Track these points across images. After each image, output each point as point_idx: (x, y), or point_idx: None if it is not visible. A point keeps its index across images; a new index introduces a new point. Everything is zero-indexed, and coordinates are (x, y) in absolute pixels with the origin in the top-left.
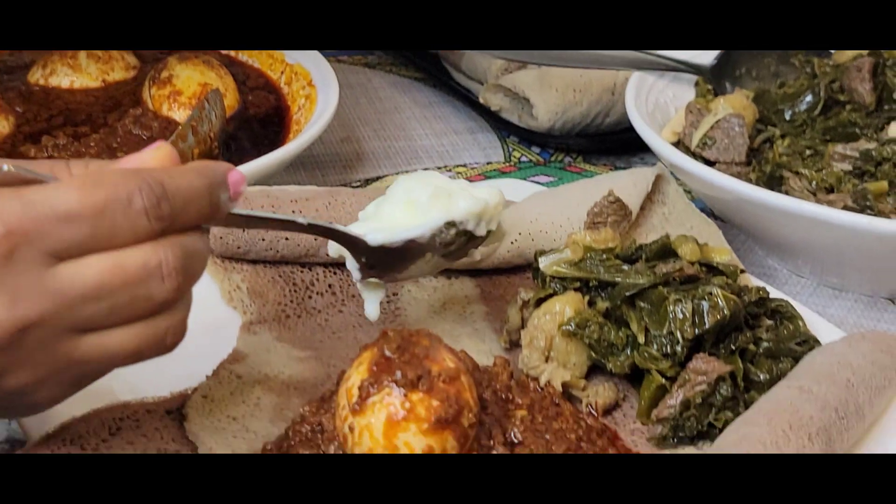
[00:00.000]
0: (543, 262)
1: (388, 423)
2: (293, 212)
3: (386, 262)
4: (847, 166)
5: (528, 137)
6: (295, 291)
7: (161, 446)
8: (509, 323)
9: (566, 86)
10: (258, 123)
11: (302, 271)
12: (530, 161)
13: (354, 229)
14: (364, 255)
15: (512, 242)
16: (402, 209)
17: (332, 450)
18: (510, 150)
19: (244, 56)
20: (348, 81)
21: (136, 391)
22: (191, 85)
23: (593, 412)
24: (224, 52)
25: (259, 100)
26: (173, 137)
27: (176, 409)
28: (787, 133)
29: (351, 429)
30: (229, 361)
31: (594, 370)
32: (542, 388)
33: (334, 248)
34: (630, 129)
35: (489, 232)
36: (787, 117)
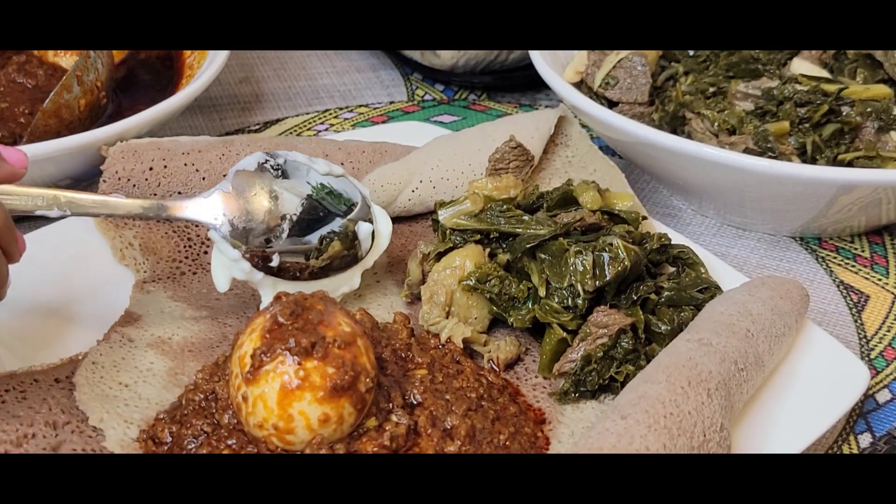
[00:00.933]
0: (443, 215)
1: (282, 392)
2: (185, 164)
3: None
4: (749, 105)
5: (431, 75)
6: (190, 247)
7: (49, 418)
8: (410, 277)
9: None
10: (150, 68)
11: (197, 226)
12: (434, 99)
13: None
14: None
15: (413, 190)
16: None
17: (226, 419)
18: (413, 87)
19: None
20: None
21: (24, 359)
22: None
23: (495, 368)
24: None
25: None
26: (57, 89)
27: (65, 378)
28: (690, 69)
29: (244, 398)
30: (121, 324)
31: (495, 324)
32: (442, 345)
33: (221, 279)
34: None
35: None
36: (691, 53)
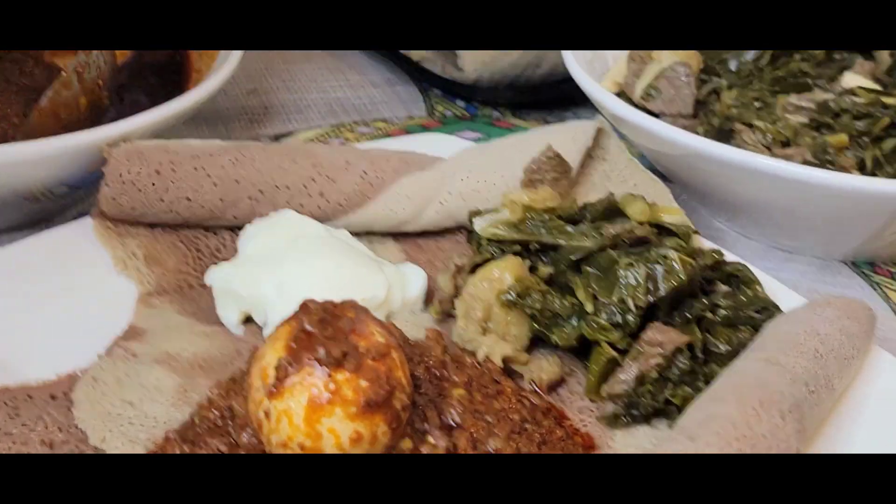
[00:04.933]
0: (479, 224)
1: (310, 406)
2: (195, 169)
3: None
4: (803, 118)
5: (452, 90)
6: (199, 259)
7: (45, 436)
8: (441, 291)
9: None
10: (155, 72)
11: (206, 236)
12: (455, 115)
13: None
14: None
15: (441, 203)
16: None
17: (244, 438)
18: (432, 104)
19: None
20: None
21: (15, 374)
22: None
23: (537, 389)
24: None
25: None
26: (56, 85)
27: (62, 394)
28: (733, 84)
29: (267, 414)
30: (124, 338)
31: (536, 343)
32: (480, 364)
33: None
34: (563, 81)
35: None
36: (733, 68)
